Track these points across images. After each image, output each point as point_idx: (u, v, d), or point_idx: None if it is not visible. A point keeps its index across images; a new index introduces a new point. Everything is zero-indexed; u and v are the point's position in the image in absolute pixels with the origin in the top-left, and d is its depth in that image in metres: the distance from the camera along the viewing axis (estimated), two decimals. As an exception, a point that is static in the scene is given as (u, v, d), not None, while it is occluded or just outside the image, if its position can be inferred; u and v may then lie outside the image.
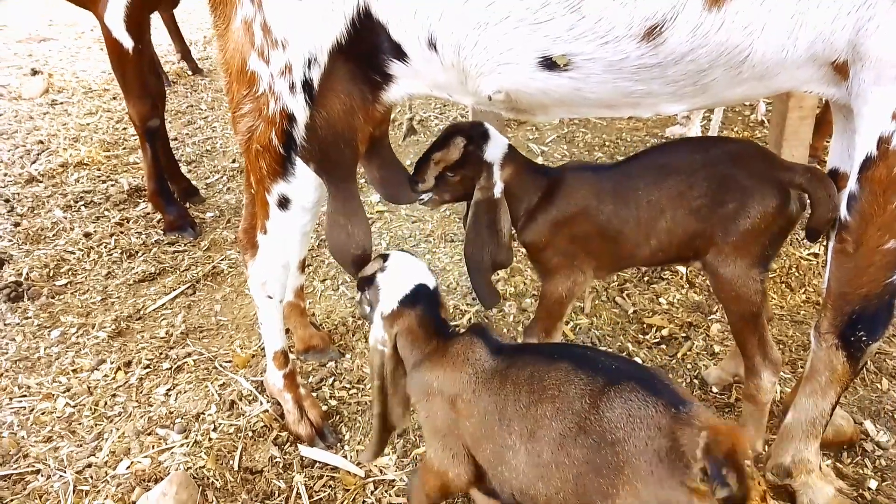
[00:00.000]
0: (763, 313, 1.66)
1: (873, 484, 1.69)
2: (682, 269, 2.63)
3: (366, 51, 1.41)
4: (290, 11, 1.36)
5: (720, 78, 1.26)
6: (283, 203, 1.59)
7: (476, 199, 1.70)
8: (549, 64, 1.28)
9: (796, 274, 2.59)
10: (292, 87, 1.43)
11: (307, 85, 1.42)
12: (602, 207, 1.67)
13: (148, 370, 2.23)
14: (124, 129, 4.38)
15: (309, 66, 1.41)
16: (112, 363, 2.26)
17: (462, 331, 1.44)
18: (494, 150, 1.70)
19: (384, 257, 1.51)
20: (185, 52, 5.56)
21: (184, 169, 3.84)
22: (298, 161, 1.52)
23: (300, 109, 1.45)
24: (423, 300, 1.44)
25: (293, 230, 1.73)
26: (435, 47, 1.34)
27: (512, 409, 1.24)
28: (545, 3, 1.21)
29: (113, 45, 2.80)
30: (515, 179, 1.72)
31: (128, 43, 2.79)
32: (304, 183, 1.56)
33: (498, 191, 1.71)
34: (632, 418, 1.10)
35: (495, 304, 2.03)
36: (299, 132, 1.48)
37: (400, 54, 1.40)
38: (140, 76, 2.89)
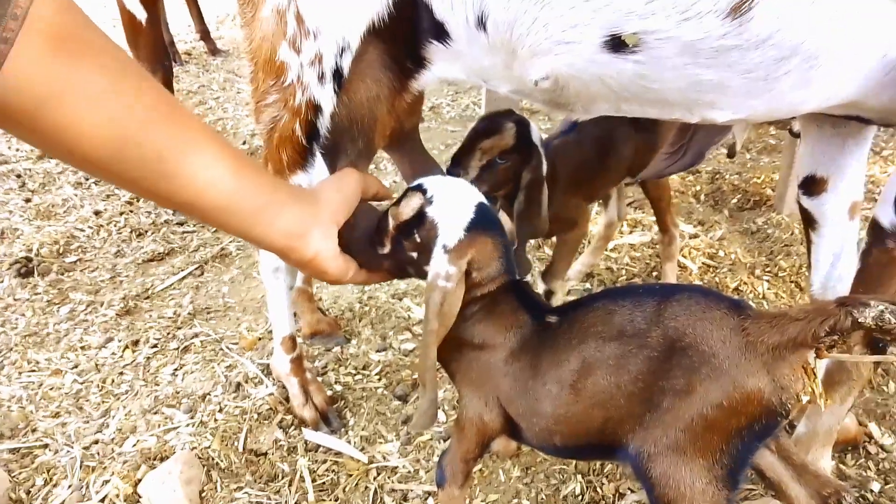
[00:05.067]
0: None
1: (876, 486, 1.69)
2: (692, 266, 2.62)
3: (402, 32, 1.33)
4: None
5: (793, 71, 1.17)
6: None
7: (527, 181, 1.75)
8: (615, 44, 1.16)
9: (806, 274, 2.57)
10: (321, 76, 1.37)
11: (337, 73, 1.36)
12: (582, 159, 2.03)
13: (155, 349, 2.24)
14: (136, 107, 4.38)
15: (341, 54, 1.34)
16: (120, 341, 2.28)
17: (511, 284, 1.33)
18: (535, 132, 1.79)
19: (420, 189, 1.31)
20: (204, 32, 5.55)
21: (194, 149, 3.85)
22: (318, 148, 1.48)
23: (328, 99, 1.39)
24: (489, 221, 1.28)
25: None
26: (484, 26, 1.24)
27: (550, 362, 1.23)
28: None
29: (126, 17, 2.81)
30: (550, 157, 1.85)
31: (141, 14, 2.80)
32: (323, 174, 1.54)
33: (545, 170, 1.77)
34: (701, 322, 1.10)
35: (529, 271, 2.16)
36: (324, 123, 1.43)
37: (441, 35, 1.31)
38: (153, 48, 2.90)
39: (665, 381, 1.11)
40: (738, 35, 1.12)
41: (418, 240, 1.30)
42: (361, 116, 1.44)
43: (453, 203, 1.29)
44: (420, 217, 1.28)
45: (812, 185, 1.61)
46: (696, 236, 2.81)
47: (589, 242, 2.62)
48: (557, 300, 2.13)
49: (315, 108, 1.40)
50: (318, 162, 1.50)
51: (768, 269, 2.63)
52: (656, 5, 1.11)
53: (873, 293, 1.35)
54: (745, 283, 2.52)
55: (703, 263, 2.65)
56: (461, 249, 1.25)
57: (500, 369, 1.29)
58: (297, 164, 1.49)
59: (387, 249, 1.38)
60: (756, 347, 1.07)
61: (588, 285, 2.57)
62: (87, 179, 3.41)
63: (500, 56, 1.30)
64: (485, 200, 1.32)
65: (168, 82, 3.03)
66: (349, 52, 1.35)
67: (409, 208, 1.30)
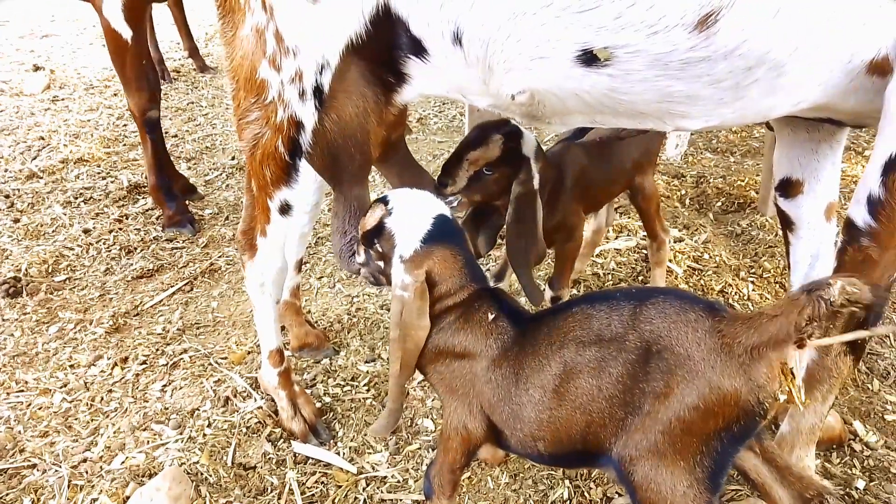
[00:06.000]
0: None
1: (861, 484, 1.70)
2: (678, 269, 2.64)
3: (381, 49, 1.35)
4: (304, 17, 1.32)
5: (761, 79, 1.20)
6: (285, 209, 1.58)
7: (517, 194, 1.75)
8: (588, 58, 1.20)
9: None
10: (302, 93, 1.39)
11: (318, 90, 1.38)
12: (588, 166, 2.03)
13: (144, 366, 2.24)
14: (125, 125, 4.40)
15: (321, 72, 1.37)
16: (109, 359, 2.28)
17: (487, 293, 1.36)
18: (528, 144, 1.78)
19: (383, 201, 1.37)
20: (192, 49, 5.58)
21: (183, 166, 3.87)
22: (302, 167, 1.49)
23: (309, 116, 1.42)
24: (448, 234, 1.33)
25: (292, 234, 1.74)
26: (460, 42, 1.27)
27: (531, 367, 1.25)
28: None
29: (112, 36, 2.82)
30: (545, 169, 1.82)
31: (126, 33, 2.81)
32: (306, 188, 1.55)
33: (536, 183, 1.75)
34: (676, 324, 1.12)
35: (542, 300, 2.07)
36: (306, 139, 1.45)
37: (419, 51, 1.34)
38: (139, 67, 2.91)
39: (644, 383, 1.13)
40: (705, 47, 1.15)
41: (380, 250, 1.35)
42: (353, 131, 1.46)
43: (411, 215, 1.33)
44: (380, 228, 1.34)
45: (788, 188, 1.65)
46: (681, 240, 2.83)
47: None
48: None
49: (297, 125, 1.43)
50: (302, 177, 1.52)
51: (753, 270, 2.65)
52: (625, 20, 1.15)
53: None
54: (730, 286, 2.54)
55: (688, 267, 2.67)
56: (417, 260, 1.29)
57: (482, 377, 1.31)
58: (281, 180, 1.51)
59: (361, 259, 1.41)
60: (732, 349, 1.09)
61: (575, 291, 2.58)
62: (76, 199, 3.42)
63: (476, 71, 1.32)
64: (447, 213, 1.36)
65: (155, 100, 3.05)
66: (329, 69, 1.37)
67: (371, 219, 1.36)
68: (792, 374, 1.10)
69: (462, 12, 1.22)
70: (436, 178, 1.83)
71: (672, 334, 1.13)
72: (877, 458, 1.79)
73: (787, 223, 1.69)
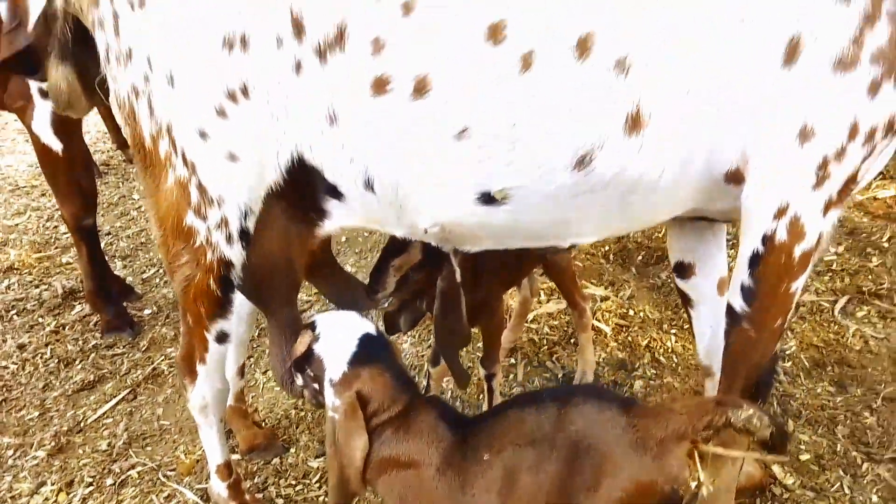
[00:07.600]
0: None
1: (783, 527, 1.85)
2: (606, 329, 2.81)
3: (300, 193, 1.46)
4: (224, 172, 1.42)
5: (639, 199, 1.37)
6: (222, 338, 1.65)
7: (441, 289, 1.86)
8: (487, 199, 1.36)
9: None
10: (229, 238, 1.49)
11: (243, 233, 1.48)
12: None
13: (91, 488, 2.22)
14: (55, 227, 4.34)
15: (245, 217, 1.47)
16: (53, 484, 2.25)
17: (423, 401, 1.45)
18: None
19: (311, 326, 1.47)
20: (121, 141, 5.53)
21: (119, 264, 3.85)
22: (236, 297, 1.58)
23: (237, 255, 1.51)
24: (375, 352, 1.42)
25: (231, 350, 1.80)
26: (372, 188, 1.40)
27: (474, 472, 1.33)
28: (483, 144, 1.29)
29: (42, 150, 2.80)
30: (464, 260, 1.92)
31: (57, 146, 2.79)
32: (240, 317, 1.62)
33: (459, 275, 1.87)
34: (596, 424, 1.26)
35: (468, 383, 2.18)
36: (236, 274, 1.54)
37: (335, 194, 1.45)
38: (71, 177, 2.89)
39: (578, 476, 1.26)
40: (586, 181, 1.33)
41: (312, 374, 1.44)
42: (277, 263, 1.56)
43: (337, 339, 1.43)
44: (309, 354, 1.43)
45: (682, 270, 1.85)
46: (607, 298, 3.01)
47: (509, 318, 2.78)
48: (499, 380, 2.32)
49: (227, 265, 1.52)
50: (235, 308, 1.60)
51: (675, 322, 2.84)
52: (516, 166, 1.32)
53: (740, 367, 1.55)
54: (654, 340, 2.71)
55: (615, 325, 2.84)
56: (345, 382, 1.39)
57: (428, 485, 1.39)
58: (216, 314, 1.59)
59: (301, 382, 1.49)
60: (646, 443, 1.23)
61: (513, 360, 2.71)
62: (7, 311, 3.35)
63: (390, 210, 1.46)
64: (372, 331, 1.46)
65: (90, 208, 3.02)
66: (252, 214, 1.48)
67: (301, 346, 1.45)
68: (699, 462, 1.24)
69: (371, 164, 1.36)
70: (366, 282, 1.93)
71: (594, 433, 1.26)
72: (795, 499, 1.95)
73: (686, 300, 1.88)
